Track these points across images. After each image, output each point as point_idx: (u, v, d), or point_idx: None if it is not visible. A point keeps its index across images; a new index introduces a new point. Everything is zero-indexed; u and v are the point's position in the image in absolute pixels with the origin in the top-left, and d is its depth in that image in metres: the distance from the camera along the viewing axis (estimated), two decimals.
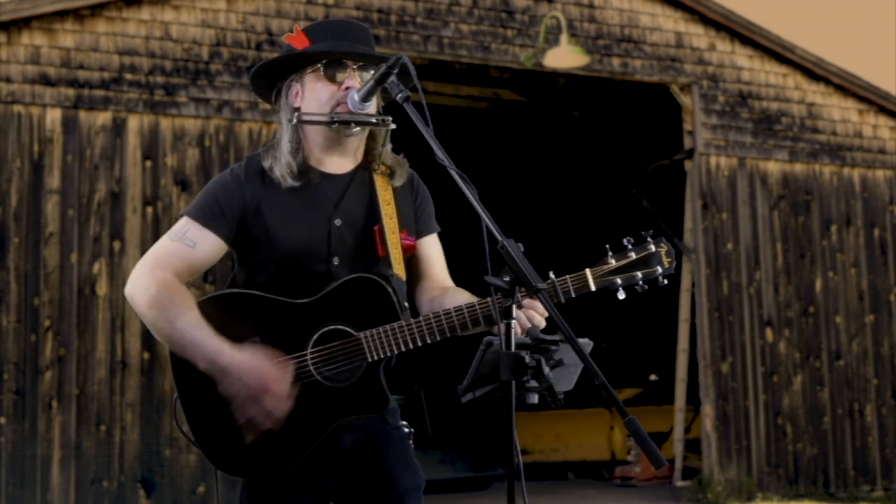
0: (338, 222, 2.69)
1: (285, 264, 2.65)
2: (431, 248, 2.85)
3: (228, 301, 2.61)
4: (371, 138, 2.77)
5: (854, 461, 10.83)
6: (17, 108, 8.19)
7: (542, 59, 9.79)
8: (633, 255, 2.60)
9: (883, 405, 11.05)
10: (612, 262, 2.59)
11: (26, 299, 8.07)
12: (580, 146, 14.70)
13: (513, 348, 2.24)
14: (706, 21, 10.70)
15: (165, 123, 8.59)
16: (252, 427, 2.51)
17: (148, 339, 8.28)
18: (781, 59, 11.01)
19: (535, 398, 2.28)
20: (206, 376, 2.54)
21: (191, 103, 8.66)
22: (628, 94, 11.95)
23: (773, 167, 10.94)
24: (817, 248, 11.03)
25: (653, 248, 2.61)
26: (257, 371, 2.47)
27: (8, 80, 8.16)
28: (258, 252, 2.68)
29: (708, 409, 10.26)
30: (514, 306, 2.30)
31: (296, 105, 2.73)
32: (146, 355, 8.31)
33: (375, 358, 2.55)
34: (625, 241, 2.62)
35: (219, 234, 2.66)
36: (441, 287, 2.81)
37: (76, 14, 8.38)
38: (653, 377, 14.07)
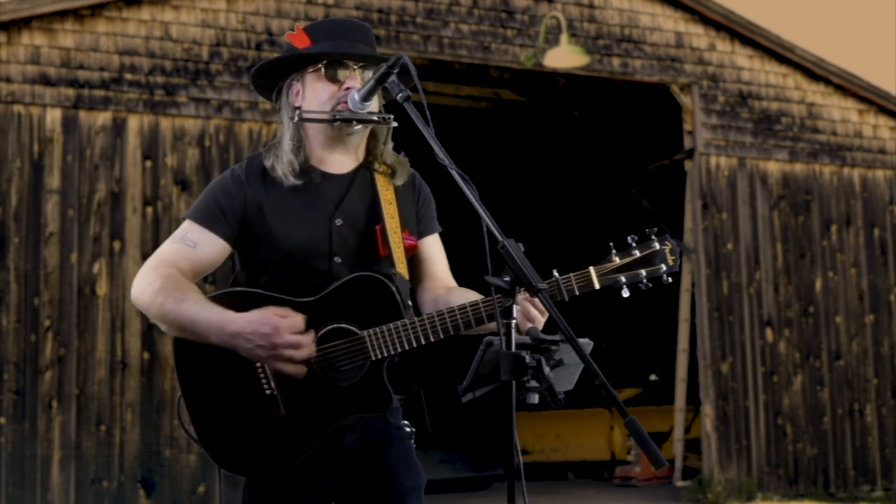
0: (339, 222, 2.69)
1: (287, 264, 2.65)
2: (433, 248, 2.85)
3: (232, 299, 2.61)
4: (372, 137, 2.77)
5: (854, 461, 10.83)
6: (17, 108, 8.19)
7: (542, 59, 9.79)
8: (637, 254, 2.59)
9: (883, 405, 11.05)
10: (616, 261, 2.58)
11: (26, 299, 8.07)
12: (580, 146, 14.70)
13: (513, 348, 2.24)
14: (706, 21, 10.70)
15: (165, 123, 8.59)
16: (294, 369, 2.50)
17: (148, 339, 8.28)
18: (781, 59, 11.01)
19: (535, 398, 2.28)
20: (210, 374, 2.55)
21: (191, 103, 8.66)
22: (628, 94, 11.95)
23: (773, 167, 10.94)
24: (817, 248, 11.03)
25: (657, 246, 2.61)
26: (264, 319, 2.47)
27: (8, 80, 8.16)
28: (260, 252, 2.69)
29: (708, 409, 10.26)
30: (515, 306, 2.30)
31: (297, 104, 2.73)
32: (146, 355, 8.31)
33: (379, 356, 2.55)
34: (629, 238, 2.61)
35: (220, 234, 2.66)
36: (445, 287, 2.81)
37: (76, 14, 8.38)
38: (653, 377, 14.07)
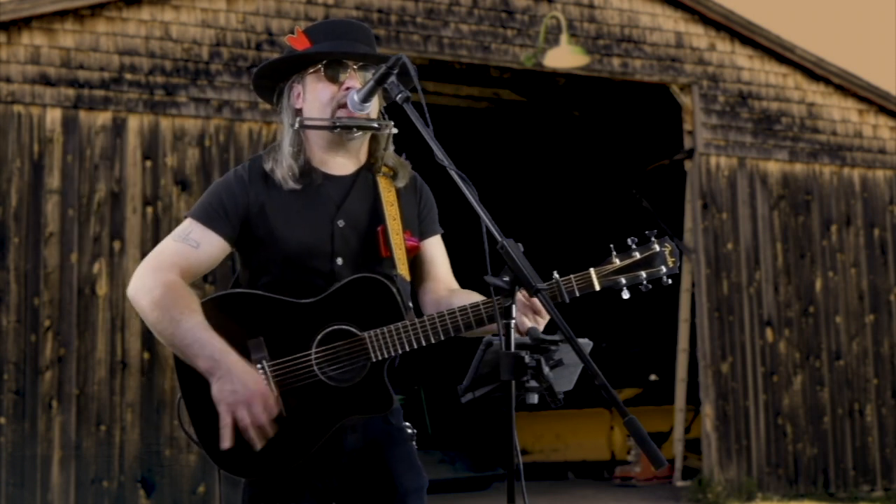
0: (341, 223, 2.69)
1: (289, 265, 2.65)
2: (435, 250, 2.86)
3: (232, 301, 2.61)
4: (373, 140, 2.77)
5: (854, 461, 10.83)
6: (17, 108, 8.19)
7: (542, 59, 9.79)
8: (637, 255, 2.61)
9: (883, 405, 11.05)
10: (617, 262, 2.60)
11: (26, 299, 8.07)
12: (580, 146, 14.70)
13: (513, 348, 2.24)
14: (706, 21, 10.70)
15: (165, 123, 8.59)
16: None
17: (148, 339, 8.28)
18: (781, 59, 11.01)
19: (535, 398, 2.28)
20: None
21: (191, 103, 8.66)
22: (628, 94, 11.95)
23: (773, 167, 10.94)
24: (817, 248, 11.03)
25: (657, 247, 2.63)
26: (256, 381, 2.48)
27: (8, 80, 8.17)
28: (261, 253, 2.69)
29: (708, 409, 10.26)
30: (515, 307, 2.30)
31: (297, 106, 2.73)
32: (146, 355, 8.31)
33: (379, 358, 2.55)
34: (629, 240, 2.63)
35: (222, 234, 2.66)
36: (447, 288, 2.81)
37: (76, 14, 8.38)
38: (653, 377, 14.07)
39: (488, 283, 2.29)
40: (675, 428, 11.27)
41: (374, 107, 2.68)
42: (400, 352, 2.56)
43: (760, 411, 10.46)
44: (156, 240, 8.23)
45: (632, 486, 11.57)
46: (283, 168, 2.68)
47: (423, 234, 2.83)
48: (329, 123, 2.65)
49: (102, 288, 8.25)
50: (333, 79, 2.68)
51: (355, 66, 2.69)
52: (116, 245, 8.33)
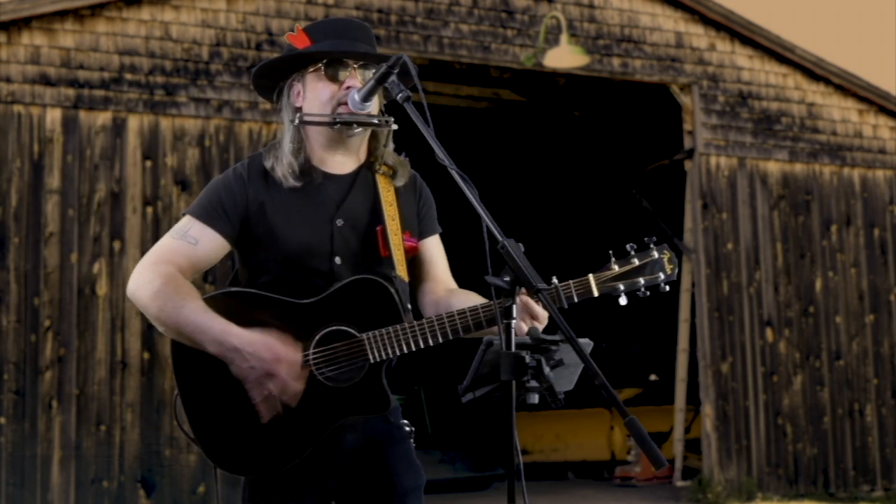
0: (340, 222, 2.69)
1: (287, 264, 2.65)
2: (434, 250, 2.86)
3: (231, 299, 2.61)
4: (373, 138, 2.77)
5: (854, 461, 10.83)
6: (17, 108, 8.19)
7: (542, 59, 9.79)
8: (636, 262, 2.64)
9: (883, 405, 11.05)
10: (616, 268, 2.62)
11: (26, 299, 8.07)
12: (580, 146, 14.70)
13: (513, 348, 2.24)
14: (706, 21, 10.70)
15: (165, 123, 8.59)
16: (269, 404, 2.51)
17: (148, 339, 8.28)
18: (781, 59, 11.01)
19: (535, 398, 2.28)
20: (208, 374, 2.54)
21: (191, 103, 8.66)
22: (628, 94, 11.95)
23: (773, 167, 10.94)
24: (817, 248, 11.03)
25: (655, 254, 2.66)
26: (268, 345, 2.47)
27: (8, 80, 8.17)
28: (260, 251, 2.68)
29: (708, 409, 10.26)
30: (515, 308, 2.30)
31: (297, 105, 2.73)
32: (146, 355, 8.31)
33: (378, 359, 2.56)
34: (628, 247, 2.65)
35: (221, 232, 2.66)
36: (446, 289, 2.81)
37: (76, 14, 8.38)
38: (653, 377, 14.07)
39: (489, 283, 2.29)
40: (675, 428, 11.27)
41: (374, 106, 2.68)
42: (398, 353, 2.56)
43: (760, 411, 10.46)
44: (156, 240, 8.16)
45: (632, 486, 11.57)
46: (283, 166, 2.68)
47: (422, 234, 2.83)
48: (329, 119, 2.65)
49: (102, 288, 8.25)
50: (334, 78, 2.68)
51: (356, 65, 2.69)
52: (116, 245, 8.33)
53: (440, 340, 2.56)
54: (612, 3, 10.34)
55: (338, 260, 2.66)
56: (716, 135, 10.69)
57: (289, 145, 2.70)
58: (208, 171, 8.60)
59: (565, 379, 2.40)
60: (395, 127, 2.73)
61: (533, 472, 11.68)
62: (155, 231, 8.38)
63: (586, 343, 2.32)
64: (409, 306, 2.72)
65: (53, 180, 8.23)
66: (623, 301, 2.60)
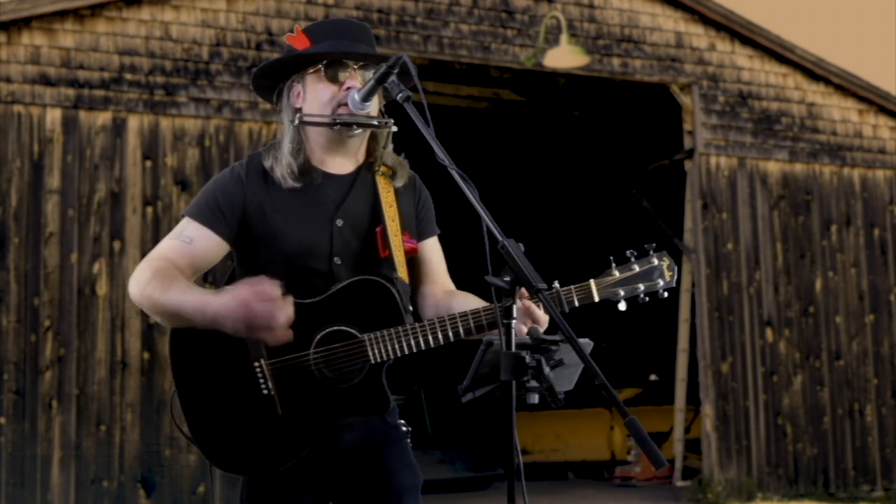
0: (340, 223, 2.69)
1: (287, 264, 2.65)
2: (433, 252, 2.86)
3: None
4: (372, 139, 2.77)
5: (854, 461, 10.83)
6: (17, 108, 8.19)
7: (542, 59, 9.79)
8: (636, 268, 2.68)
9: (883, 405, 11.05)
10: (616, 274, 2.67)
11: (26, 299, 8.07)
12: (580, 146, 14.70)
13: (513, 348, 2.24)
14: (706, 21, 10.70)
15: (165, 123, 8.59)
16: (275, 340, 2.48)
17: (148, 339, 8.29)
18: (781, 59, 11.01)
19: (535, 398, 2.28)
20: (205, 373, 2.55)
21: (191, 103, 8.66)
22: (628, 94, 11.94)
23: (773, 167, 10.94)
24: (817, 248, 11.03)
25: (655, 261, 2.70)
26: (234, 297, 2.44)
27: (8, 80, 8.17)
28: (260, 251, 2.69)
29: (708, 409, 10.26)
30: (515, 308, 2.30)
31: (297, 105, 2.73)
32: (146, 355, 8.31)
33: (378, 360, 2.56)
34: (628, 253, 2.70)
35: (217, 232, 2.66)
36: (445, 291, 2.82)
37: (76, 14, 8.38)
38: (653, 377, 14.07)
39: (489, 283, 2.29)
40: (675, 428, 11.27)
41: (374, 106, 2.69)
42: (399, 355, 2.56)
43: (760, 411, 10.46)
44: (156, 240, 8.23)
45: (632, 486, 11.57)
46: (282, 166, 2.68)
47: (421, 235, 2.83)
48: (329, 120, 2.65)
49: (102, 288, 8.25)
50: (334, 78, 2.68)
51: (356, 66, 2.69)
52: (116, 245, 8.33)
53: (441, 342, 2.56)
54: (612, 3, 10.34)
55: (337, 260, 2.66)
56: (716, 135, 10.69)
57: (288, 146, 2.70)
58: (208, 171, 8.60)
59: (565, 379, 2.40)
60: (394, 129, 2.73)
61: (533, 472, 11.68)
62: (155, 231, 8.38)
63: (586, 343, 2.32)
64: (410, 308, 2.72)
65: (53, 180, 8.23)
66: (622, 307, 2.66)
